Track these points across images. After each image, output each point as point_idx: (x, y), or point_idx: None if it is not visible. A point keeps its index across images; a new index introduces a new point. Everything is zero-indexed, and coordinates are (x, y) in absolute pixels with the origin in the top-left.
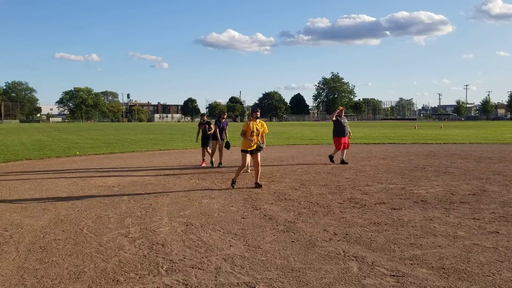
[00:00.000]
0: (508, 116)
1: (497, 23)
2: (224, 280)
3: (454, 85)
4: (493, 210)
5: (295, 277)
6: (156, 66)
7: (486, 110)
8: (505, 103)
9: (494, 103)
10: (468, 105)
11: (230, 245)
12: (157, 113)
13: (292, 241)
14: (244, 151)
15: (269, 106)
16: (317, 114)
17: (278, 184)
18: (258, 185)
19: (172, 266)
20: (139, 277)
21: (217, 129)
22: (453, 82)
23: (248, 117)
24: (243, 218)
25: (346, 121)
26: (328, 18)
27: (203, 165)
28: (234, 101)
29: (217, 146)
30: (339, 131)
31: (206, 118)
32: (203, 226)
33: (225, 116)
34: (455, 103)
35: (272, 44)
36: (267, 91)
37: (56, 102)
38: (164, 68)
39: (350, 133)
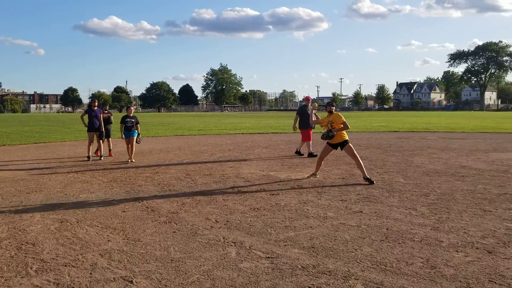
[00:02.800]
0: (376, 107)
1: (366, 22)
2: (99, 276)
3: (330, 78)
4: (358, 192)
5: (174, 267)
6: (31, 52)
7: (358, 102)
8: (374, 95)
9: (365, 95)
10: (342, 97)
11: (108, 240)
12: (34, 103)
13: (174, 232)
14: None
15: (157, 96)
16: (206, 105)
17: (163, 175)
18: None
19: (42, 266)
20: (5, 280)
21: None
22: (329, 76)
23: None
24: (124, 211)
25: (314, 111)
26: (213, 9)
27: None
28: (119, 91)
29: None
30: (306, 122)
31: (108, 108)
32: (79, 222)
33: (96, 103)
34: (331, 95)
35: (158, 33)
36: (154, 81)
37: None
38: (41, 55)
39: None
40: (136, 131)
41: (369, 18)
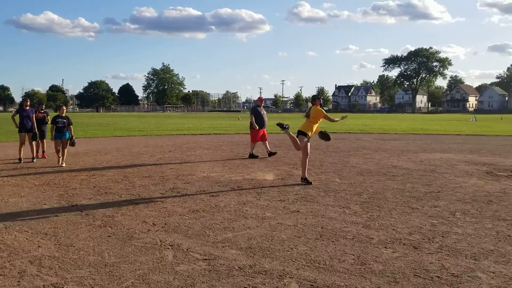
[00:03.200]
0: None
1: (306, 26)
2: (28, 284)
3: (272, 80)
4: (296, 192)
5: (108, 272)
6: None
7: (299, 104)
8: None
9: (305, 97)
10: (284, 99)
11: (39, 246)
12: None
13: (109, 236)
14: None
15: (96, 96)
16: (147, 105)
17: (99, 178)
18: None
19: None
20: None
21: (28, 120)
22: (271, 77)
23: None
24: (56, 216)
25: (265, 112)
26: (155, 8)
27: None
28: (55, 89)
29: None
30: (257, 123)
31: (43, 107)
32: (7, 227)
33: (28, 103)
34: (273, 97)
35: (96, 30)
36: (93, 80)
37: None
38: None
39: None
40: (68, 132)
41: (309, 22)
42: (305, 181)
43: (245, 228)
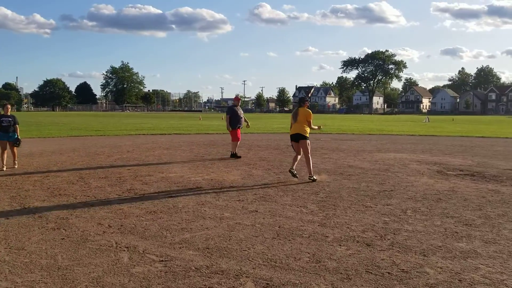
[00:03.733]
0: (277, 109)
1: (267, 26)
2: None
3: (234, 80)
4: (255, 192)
5: (61, 275)
6: None
7: (260, 104)
8: (275, 98)
9: (266, 97)
10: (246, 99)
11: None
12: None
13: (62, 238)
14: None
15: (52, 94)
16: (106, 104)
17: (53, 179)
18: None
19: None
20: None
21: None
22: (233, 78)
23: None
24: (7, 218)
25: (242, 111)
26: (113, 5)
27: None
28: (8, 88)
29: None
30: (235, 122)
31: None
32: None
33: None
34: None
35: (52, 27)
36: (48, 78)
37: None
38: None
39: (247, 122)
40: (15, 133)
41: (270, 23)
42: (312, 179)
43: (203, 228)
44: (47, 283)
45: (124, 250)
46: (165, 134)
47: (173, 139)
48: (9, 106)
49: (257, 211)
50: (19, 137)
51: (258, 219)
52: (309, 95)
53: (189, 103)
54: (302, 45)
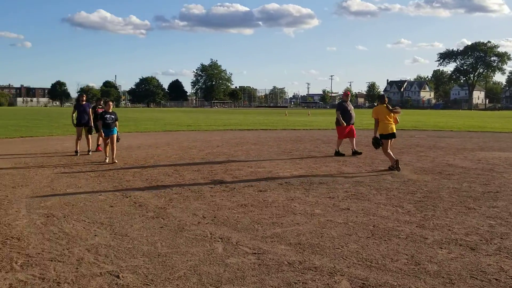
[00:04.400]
0: (367, 104)
1: (356, 19)
2: (86, 271)
3: (320, 76)
4: (346, 189)
5: (161, 262)
6: (17, 45)
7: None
8: (364, 93)
9: (355, 92)
10: (332, 94)
11: (95, 235)
12: (21, 96)
13: (161, 227)
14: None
15: (147, 91)
16: (196, 100)
17: (151, 170)
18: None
19: (28, 261)
20: None
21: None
22: (319, 73)
23: (376, 103)
24: (112, 206)
25: (352, 107)
26: (203, 5)
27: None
28: (108, 85)
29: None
30: (347, 118)
31: (101, 103)
32: (66, 217)
33: (84, 98)
34: (321, 92)
35: (147, 27)
36: (144, 76)
37: None
38: (27, 48)
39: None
40: (115, 128)
41: (359, 16)
42: (395, 168)
43: (294, 224)
44: (148, 269)
45: (218, 241)
46: (252, 129)
47: (260, 134)
48: (111, 103)
49: (349, 209)
50: (118, 132)
51: (350, 217)
52: (401, 89)
53: (274, 99)
54: (394, 38)
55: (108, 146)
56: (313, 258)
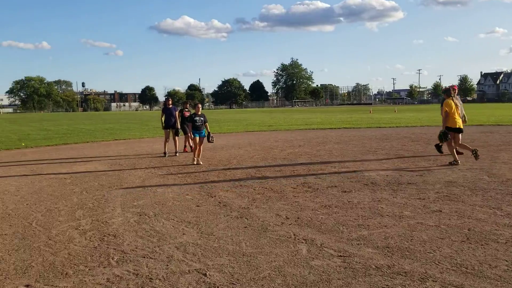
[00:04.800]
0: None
1: (444, 9)
2: (175, 268)
3: (406, 70)
4: (437, 190)
5: (246, 261)
6: (110, 53)
7: (438, 94)
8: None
9: (444, 86)
10: (420, 89)
11: (183, 233)
12: (114, 101)
13: (245, 227)
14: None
15: (229, 93)
16: (276, 100)
17: (234, 171)
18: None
19: (123, 257)
20: (89, 269)
21: (176, 118)
22: (405, 67)
23: (445, 96)
24: (198, 206)
25: (461, 102)
26: (283, 5)
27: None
28: (193, 88)
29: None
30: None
31: (188, 106)
32: (156, 215)
33: (170, 101)
34: (408, 88)
35: (228, 30)
36: (226, 78)
37: (6, 92)
38: (119, 56)
39: (465, 117)
40: (205, 130)
41: (447, 5)
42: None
43: (381, 226)
44: (234, 268)
45: (302, 242)
46: (335, 128)
47: (342, 133)
48: (200, 106)
49: (441, 211)
50: (210, 133)
51: (442, 220)
52: (497, 82)
53: (358, 96)
54: (487, 27)
55: (197, 148)
56: (403, 263)
